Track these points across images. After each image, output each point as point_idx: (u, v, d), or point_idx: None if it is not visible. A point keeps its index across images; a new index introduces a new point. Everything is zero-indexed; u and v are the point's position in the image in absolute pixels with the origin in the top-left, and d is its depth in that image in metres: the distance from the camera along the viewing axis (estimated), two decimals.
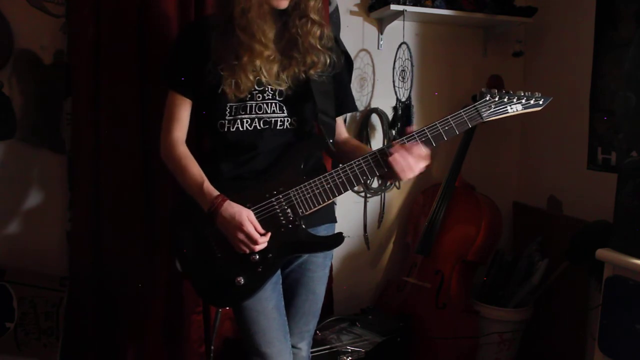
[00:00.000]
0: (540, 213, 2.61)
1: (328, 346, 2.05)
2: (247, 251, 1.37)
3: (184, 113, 1.49)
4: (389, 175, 1.39)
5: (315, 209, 1.41)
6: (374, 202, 2.55)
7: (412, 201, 2.62)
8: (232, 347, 2.18)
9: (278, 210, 1.40)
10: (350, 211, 2.52)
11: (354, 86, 2.45)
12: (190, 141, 1.54)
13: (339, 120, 1.63)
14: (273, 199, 1.40)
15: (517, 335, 2.42)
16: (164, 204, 1.99)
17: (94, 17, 1.92)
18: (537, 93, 1.42)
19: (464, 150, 2.44)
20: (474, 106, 1.39)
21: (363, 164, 1.39)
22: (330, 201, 1.42)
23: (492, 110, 1.39)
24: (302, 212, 1.40)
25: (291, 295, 1.58)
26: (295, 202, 1.40)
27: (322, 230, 1.55)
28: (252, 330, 1.47)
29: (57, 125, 2.03)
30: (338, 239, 1.45)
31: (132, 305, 2.04)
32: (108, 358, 2.06)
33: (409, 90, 2.40)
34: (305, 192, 1.40)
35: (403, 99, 2.41)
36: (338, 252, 2.49)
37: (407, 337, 2.26)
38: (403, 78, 2.40)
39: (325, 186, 1.39)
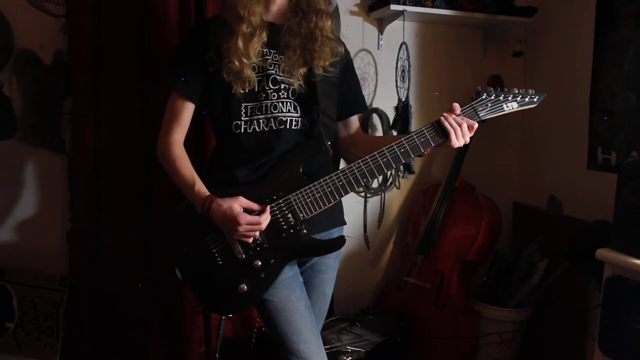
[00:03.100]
0: (540, 213, 2.61)
1: (328, 346, 2.04)
2: (256, 236, 1.37)
3: (185, 115, 1.48)
4: (441, 144, 1.38)
5: (316, 212, 1.40)
6: (374, 202, 2.55)
7: (412, 201, 2.62)
8: (232, 347, 2.18)
9: (279, 215, 1.40)
10: (350, 211, 2.49)
11: None
12: (191, 143, 1.54)
13: (354, 117, 1.64)
14: (273, 205, 1.39)
15: (517, 335, 2.42)
16: (164, 203, 1.99)
17: (94, 17, 1.93)
18: (531, 90, 1.42)
19: (464, 150, 2.44)
20: (471, 105, 1.40)
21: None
22: (331, 204, 1.40)
23: (489, 109, 1.40)
24: (303, 217, 1.39)
25: None
26: (295, 206, 1.39)
27: (335, 233, 1.55)
28: (289, 331, 1.43)
29: (57, 125, 2.03)
30: (340, 241, 1.45)
31: (132, 305, 2.04)
32: (108, 358, 2.06)
33: (407, 91, 2.40)
34: (305, 196, 1.39)
35: (404, 99, 2.41)
36: None
37: (407, 337, 2.26)
38: (403, 78, 2.41)
39: (326, 189, 1.38)
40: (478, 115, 1.39)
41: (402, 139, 1.38)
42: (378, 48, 2.49)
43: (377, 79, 2.51)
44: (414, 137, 1.38)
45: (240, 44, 1.38)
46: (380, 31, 2.48)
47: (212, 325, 2.13)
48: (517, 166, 2.81)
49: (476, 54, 2.67)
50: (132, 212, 2.00)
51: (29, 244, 2.03)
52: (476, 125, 1.38)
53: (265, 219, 1.36)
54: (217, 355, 2.08)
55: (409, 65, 2.39)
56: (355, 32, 2.44)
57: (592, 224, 2.12)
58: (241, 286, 1.39)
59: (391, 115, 2.46)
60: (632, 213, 1.63)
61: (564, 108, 2.46)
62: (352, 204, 2.51)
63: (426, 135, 1.37)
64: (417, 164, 2.58)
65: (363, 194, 2.50)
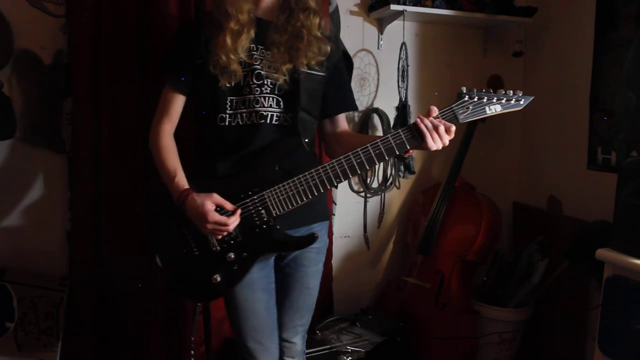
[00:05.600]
0: (540, 213, 2.61)
1: (328, 346, 2.05)
2: (224, 234, 1.39)
3: (174, 107, 1.51)
4: (419, 147, 1.36)
5: (289, 210, 1.41)
6: (374, 202, 2.55)
7: (412, 201, 2.62)
8: (233, 347, 2.17)
9: (252, 211, 1.42)
10: (350, 211, 2.52)
11: (354, 86, 2.45)
12: (191, 139, 1.55)
13: (341, 115, 1.64)
14: (248, 200, 1.41)
15: (517, 335, 2.42)
16: None
17: (94, 17, 1.92)
18: (519, 92, 1.38)
19: (464, 150, 2.44)
20: (450, 108, 1.37)
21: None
22: (304, 202, 1.41)
23: (469, 111, 1.36)
24: (276, 213, 1.41)
25: (286, 290, 1.60)
26: (269, 203, 1.41)
27: (316, 228, 1.55)
28: (242, 328, 1.52)
29: (57, 125, 2.03)
30: (311, 238, 1.46)
31: (132, 305, 2.04)
32: (108, 358, 2.06)
33: (405, 91, 2.40)
34: (279, 193, 1.40)
35: (404, 99, 2.41)
36: (338, 252, 2.49)
37: (407, 337, 2.26)
38: (403, 78, 2.41)
39: (299, 187, 1.39)
40: (457, 118, 1.36)
41: (378, 140, 1.36)
42: (378, 48, 2.49)
43: (378, 79, 2.51)
44: (390, 139, 1.36)
45: (228, 40, 1.41)
46: (380, 31, 2.48)
47: (213, 325, 2.12)
48: (517, 166, 2.81)
49: (476, 54, 2.67)
50: (132, 212, 2.00)
51: (29, 244, 2.02)
52: (453, 128, 1.35)
53: (234, 222, 1.38)
54: (192, 338, 2.06)
55: (407, 65, 2.39)
56: (355, 32, 2.44)
57: (592, 224, 2.12)
58: (215, 277, 1.42)
59: (392, 116, 2.46)
60: (632, 213, 1.63)
61: (564, 108, 2.46)
62: (352, 204, 2.51)
63: (402, 138, 1.35)
64: (417, 164, 2.58)
65: (363, 194, 2.50)
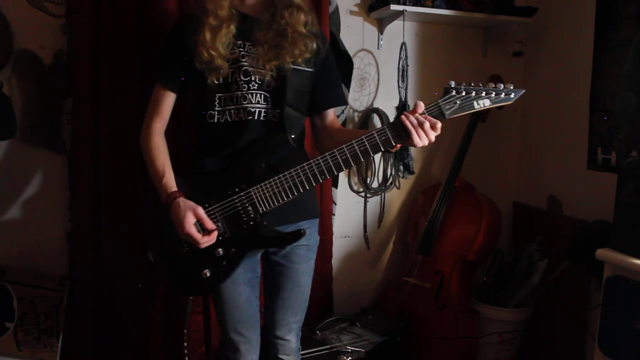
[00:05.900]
0: (540, 213, 2.61)
1: (328, 346, 2.05)
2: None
3: (165, 105, 1.52)
4: (405, 143, 1.34)
5: (276, 206, 1.41)
6: (374, 202, 2.55)
7: (412, 201, 2.62)
8: None
9: (240, 208, 1.42)
10: (350, 211, 2.52)
11: (354, 86, 2.45)
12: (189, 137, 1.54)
13: (330, 111, 1.64)
14: (235, 197, 1.42)
15: (517, 335, 2.42)
16: None
17: (94, 17, 1.93)
18: (509, 85, 1.36)
19: (464, 150, 2.44)
20: (436, 103, 1.34)
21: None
22: (290, 199, 1.41)
23: (457, 106, 1.34)
24: (263, 210, 1.41)
25: (277, 288, 1.61)
26: (255, 199, 1.41)
27: (304, 226, 1.54)
28: (225, 321, 1.57)
29: (57, 125, 2.03)
30: (297, 235, 1.46)
31: (132, 305, 2.04)
32: (108, 358, 2.06)
33: (405, 91, 2.40)
34: (266, 190, 1.40)
35: (403, 99, 2.41)
36: (338, 252, 2.49)
37: (407, 337, 2.26)
38: (403, 78, 2.41)
39: (285, 185, 1.39)
40: (443, 114, 1.33)
41: (363, 136, 1.35)
42: (378, 48, 2.49)
43: (378, 79, 2.51)
44: (375, 135, 1.35)
45: (208, 36, 1.42)
46: (380, 31, 2.48)
47: (212, 325, 2.13)
48: (517, 166, 2.81)
49: (476, 54, 2.67)
50: (132, 211, 2.00)
51: (29, 244, 2.03)
52: (439, 125, 1.32)
53: (206, 242, 1.39)
54: (185, 331, 2.07)
55: (407, 65, 2.39)
56: (355, 32, 2.44)
57: (592, 224, 2.12)
58: (204, 272, 1.43)
59: (392, 115, 2.46)
60: (632, 213, 1.63)
61: (564, 108, 2.46)
62: (352, 204, 2.51)
63: (387, 134, 1.34)
64: (416, 164, 2.58)
65: (363, 194, 2.50)
